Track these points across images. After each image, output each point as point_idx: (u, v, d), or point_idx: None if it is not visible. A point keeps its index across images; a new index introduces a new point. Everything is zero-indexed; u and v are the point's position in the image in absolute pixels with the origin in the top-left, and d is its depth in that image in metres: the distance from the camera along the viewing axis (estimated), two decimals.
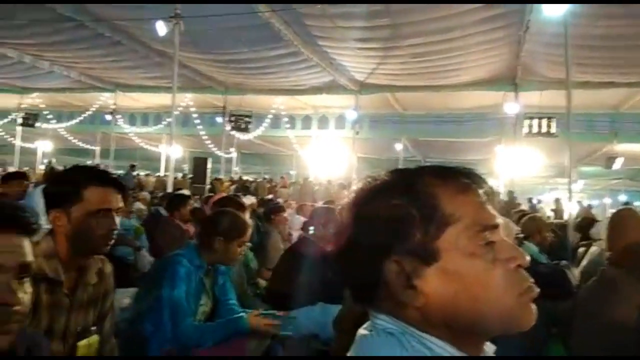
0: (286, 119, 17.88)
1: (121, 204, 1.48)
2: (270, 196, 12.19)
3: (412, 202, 0.60)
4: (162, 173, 19.38)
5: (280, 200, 6.73)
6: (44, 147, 20.81)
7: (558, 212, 11.51)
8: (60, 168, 16.65)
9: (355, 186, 0.68)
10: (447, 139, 16.83)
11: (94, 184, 1.41)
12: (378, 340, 0.61)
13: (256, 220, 4.65)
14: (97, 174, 1.47)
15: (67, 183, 1.42)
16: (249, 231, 2.27)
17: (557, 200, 12.04)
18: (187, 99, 15.88)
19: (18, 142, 18.55)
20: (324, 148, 18.24)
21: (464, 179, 0.64)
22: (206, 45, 10.61)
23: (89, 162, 20.28)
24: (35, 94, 17.49)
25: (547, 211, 12.95)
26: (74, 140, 20.65)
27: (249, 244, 2.68)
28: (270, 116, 17.12)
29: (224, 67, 12.78)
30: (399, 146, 17.95)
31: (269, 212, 4.32)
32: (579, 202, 11.37)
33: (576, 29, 7.00)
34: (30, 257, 0.81)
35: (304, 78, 13.42)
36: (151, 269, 2.11)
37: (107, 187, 1.43)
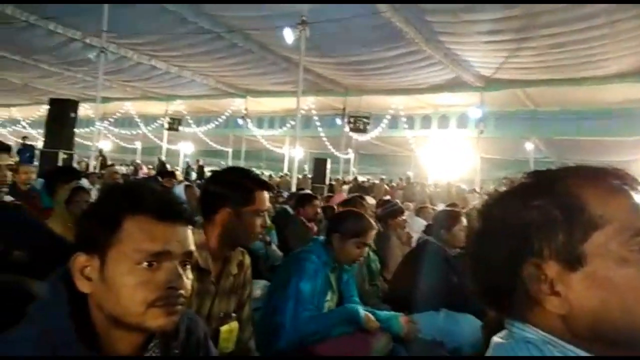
0: (404, 119, 17.63)
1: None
2: (387, 197, 12.14)
3: (554, 203, 0.57)
4: (287, 172, 20.47)
5: (398, 201, 6.64)
6: (185, 148, 23.29)
7: None
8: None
9: (487, 188, 0.65)
10: (587, 138, 15.09)
11: (261, 188, 1.61)
12: (516, 348, 0.58)
13: (376, 221, 4.65)
14: (261, 180, 1.69)
15: (241, 186, 1.60)
16: (370, 234, 2.26)
17: None
18: (309, 102, 16.54)
19: (164, 145, 21.00)
20: (444, 148, 17.64)
21: (614, 180, 0.59)
22: (328, 49, 10.93)
23: (222, 163, 22.25)
24: (178, 101, 19.65)
25: None
26: (210, 142, 22.82)
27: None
28: (388, 117, 17.07)
29: (345, 70, 13.04)
30: (529, 146, 16.63)
31: (387, 215, 4.28)
32: None
33: None
34: (192, 247, 0.91)
35: (424, 76, 13.11)
36: (282, 264, 2.23)
37: (266, 190, 1.63)
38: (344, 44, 10.57)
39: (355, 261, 2.26)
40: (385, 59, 11.60)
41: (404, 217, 4.27)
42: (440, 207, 8.05)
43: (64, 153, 7.91)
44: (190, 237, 0.91)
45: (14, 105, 24.08)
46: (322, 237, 2.31)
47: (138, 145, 24.01)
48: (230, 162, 22.45)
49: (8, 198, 2.18)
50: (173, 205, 0.90)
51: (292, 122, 18.67)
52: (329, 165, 14.57)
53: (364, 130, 15.66)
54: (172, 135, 20.88)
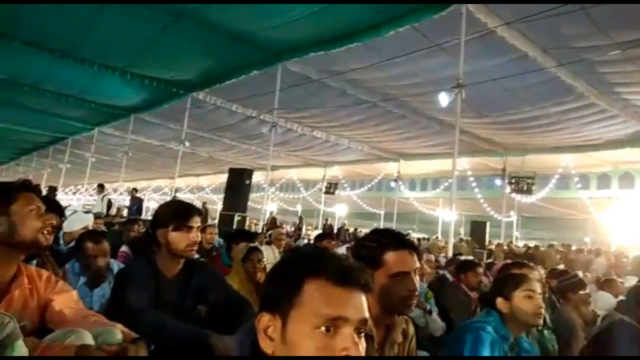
0: (577, 179, 15.80)
1: (417, 264, 1.54)
2: (561, 266, 10.77)
3: None
4: (439, 236, 19.75)
5: (579, 272, 5.81)
6: (340, 210, 24.27)
7: None
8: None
9: None
10: None
11: (391, 248, 1.50)
12: None
13: (550, 294, 4.13)
14: (392, 239, 1.55)
15: (370, 249, 1.54)
16: (533, 277, 2.10)
17: None
18: (464, 163, 16.02)
19: (322, 207, 22.22)
20: (629, 211, 15.20)
21: None
22: (486, 109, 10.60)
23: (374, 225, 22.54)
24: (335, 167, 20.82)
25: None
26: (363, 205, 23.43)
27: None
28: (556, 176, 15.52)
29: (504, 129, 12.39)
30: None
31: (565, 288, 3.76)
32: None
33: None
34: (367, 314, 0.91)
35: (599, 132, 11.71)
36: (453, 335, 2.08)
37: (402, 250, 1.51)
38: (502, 103, 10.14)
39: (538, 316, 1.98)
40: (551, 115, 10.72)
41: (587, 291, 3.69)
42: (631, 280, 6.83)
43: (239, 215, 8.93)
44: (365, 304, 0.91)
45: (201, 175, 28.24)
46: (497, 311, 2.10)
47: (299, 207, 25.79)
48: (382, 224, 22.65)
49: (195, 256, 2.49)
50: (352, 270, 0.91)
51: (446, 184, 18.26)
52: (488, 229, 13.65)
53: (528, 191, 14.39)
54: (328, 199, 22.01)
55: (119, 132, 17.15)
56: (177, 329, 1.94)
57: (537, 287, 2.04)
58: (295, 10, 7.02)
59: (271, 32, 8.02)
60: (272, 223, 17.23)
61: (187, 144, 13.40)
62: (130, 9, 7.45)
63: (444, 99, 7.06)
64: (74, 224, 3.57)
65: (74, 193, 33.52)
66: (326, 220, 19.86)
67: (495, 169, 15.75)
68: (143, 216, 12.66)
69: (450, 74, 7.44)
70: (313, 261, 0.93)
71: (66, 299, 1.64)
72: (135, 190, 15.40)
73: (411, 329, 1.63)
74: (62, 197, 15.44)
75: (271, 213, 18.64)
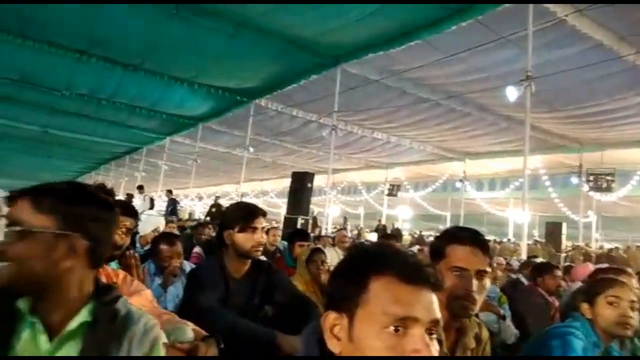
0: None
1: (482, 266, 1.42)
2: None
3: None
4: (511, 238, 18.86)
5: None
6: (403, 213, 23.86)
7: None
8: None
9: None
10: None
11: (456, 241, 1.44)
12: None
13: None
14: (460, 232, 1.48)
15: (437, 240, 1.52)
16: (618, 289, 1.89)
17: None
18: (535, 161, 15.18)
19: (384, 210, 21.95)
20: None
21: None
22: (558, 102, 9.97)
23: (440, 227, 21.96)
24: (397, 168, 20.51)
25: None
26: (427, 207, 22.87)
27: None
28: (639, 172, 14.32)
29: (579, 123, 11.59)
30: None
31: None
32: None
33: None
34: (438, 314, 0.86)
35: None
36: (531, 342, 1.95)
37: (466, 245, 1.42)
38: (576, 95, 9.49)
39: (623, 326, 1.80)
40: (631, 107, 9.88)
41: None
42: None
43: (302, 218, 9.05)
44: (436, 303, 0.86)
45: (265, 180, 28.95)
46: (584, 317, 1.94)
47: (361, 210, 25.67)
48: (449, 227, 21.97)
49: (262, 258, 2.53)
50: (419, 267, 0.87)
51: (516, 183, 17.37)
52: (564, 230, 12.83)
53: (608, 189, 13.36)
54: (391, 201, 21.71)
55: (189, 140, 17.95)
56: (246, 328, 1.97)
57: (626, 294, 1.85)
58: (354, 12, 6.98)
59: (329, 35, 8.03)
60: (314, 224, 17.45)
61: (251, 149, 13.77)
62: (196, 21, 7.78)
63: (512, 93, 6.71)
64: (146, 226, 3.77)
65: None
66: (379, 221, 19.65)
67: (570, 166, 14.78)
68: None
69: (518, 67, 7.08)
70: (378, 257, 0.89)
71: (141, 298, 1.72)
72: (169, 191, 16.43)
73: (485, 334, 1.54)
74: (138, 204, 16.68)
75: (311, 213, 18.89)
